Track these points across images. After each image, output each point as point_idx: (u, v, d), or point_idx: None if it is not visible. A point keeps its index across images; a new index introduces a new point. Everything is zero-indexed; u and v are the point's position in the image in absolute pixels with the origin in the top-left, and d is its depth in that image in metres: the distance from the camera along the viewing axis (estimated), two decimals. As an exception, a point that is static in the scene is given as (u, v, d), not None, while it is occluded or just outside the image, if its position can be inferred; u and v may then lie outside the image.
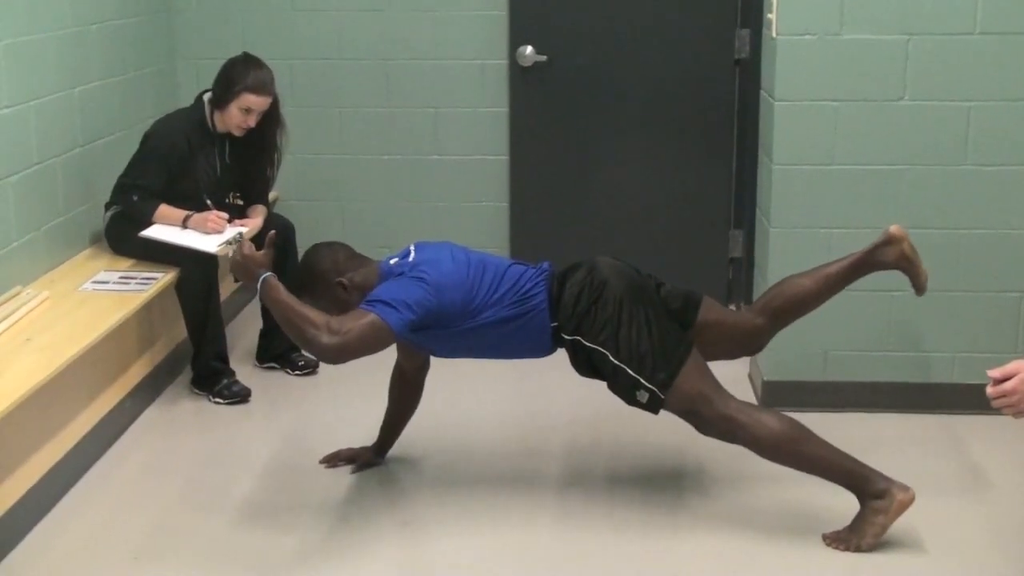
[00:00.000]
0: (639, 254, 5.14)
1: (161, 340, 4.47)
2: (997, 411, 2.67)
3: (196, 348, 4.37)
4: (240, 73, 4.28)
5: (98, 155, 4.55)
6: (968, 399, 3.99)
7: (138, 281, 4.14)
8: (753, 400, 4.24)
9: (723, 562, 3.27)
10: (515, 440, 4.04)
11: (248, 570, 3.24)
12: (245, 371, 4.57)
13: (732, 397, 3.34)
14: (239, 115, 4.31)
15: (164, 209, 4.31)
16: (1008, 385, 2.60)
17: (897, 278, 4.05)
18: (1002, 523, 3.43)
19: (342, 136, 5.43)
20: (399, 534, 3.43)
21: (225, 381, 4.37)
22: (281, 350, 4.64)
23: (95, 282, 4.12)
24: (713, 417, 3.31)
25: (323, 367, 4.61)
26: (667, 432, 3.60)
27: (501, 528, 3.44)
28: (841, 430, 3.70)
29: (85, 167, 4.45)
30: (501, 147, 5.37)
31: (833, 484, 3.29)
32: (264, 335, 4.69)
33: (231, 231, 4.31)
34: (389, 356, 3.70)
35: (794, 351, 4.11)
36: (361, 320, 3.15)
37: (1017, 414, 2.63)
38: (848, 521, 3.28)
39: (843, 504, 3.30)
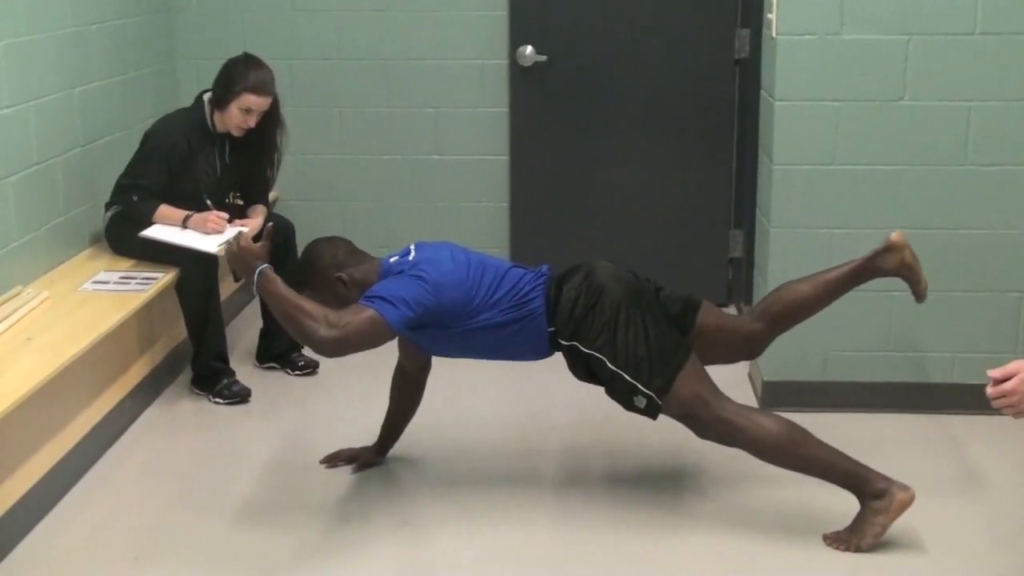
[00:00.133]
0: (639, 254, 5.17)
1: (161, 340, 4.47)
2: (997, 411, 2.67)
3: (196, 348, 4.37)
4: (240, 73, 4.28)
5: (98, 155, 4.55)
6: (968, 399, 3.99)
7: (138, 281, 4.14)
8: (753, 401, 4.24)
9: (723, 562, 3.27)
10: (515, 440, 4.05)
11: (248, 570, 3.24)
12: (245, 371, 4.57)
13: (730, 400, 3.34)
14: (239, 115, 4.31)
15: (164, 209, 4.31)
16: (1008, 385, 2.60)
17: (897, 279, 4.06)
18: (1002, 523, 3.43)
19: (342, 136, 5.43)
20: (399, 533, 3.43)
21: (225, 381, 4.37)
22: (281, 350, 4.65)
23: (95, 282, 4.12)
24: (711, 421, 3.30)
25: (323, 367, 4.61)
26: (667, 433, 3.60)
27: (501, 528, 3.44)
28: (841, 430, 3.70)
29: (85, 167, 4.45)
30: (501, 147, 5.37)
31: (833, 485, 3.29)
32: (264, 335, 4.69)
33: (231, 231, 4.30)
34: (390, 356, 3.70)
35: (794, 352, 4.11)
36: (359, 315, 3.16)
37: (1017, 414, 2.63)
38: (848, 521, 3.28)
39: (843, 504, 3.30)
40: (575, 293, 3.38)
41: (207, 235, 4.26)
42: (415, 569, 3.31)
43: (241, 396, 4.35)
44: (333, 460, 3.80)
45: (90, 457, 3.84)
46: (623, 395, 3.35)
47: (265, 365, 4.69)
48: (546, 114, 5.28)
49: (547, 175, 5.35)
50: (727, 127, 5.24)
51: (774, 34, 4.00)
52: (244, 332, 4.98)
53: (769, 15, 4.09)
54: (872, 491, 3.23)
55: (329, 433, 4.04)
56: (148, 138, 4.39)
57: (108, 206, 4.44)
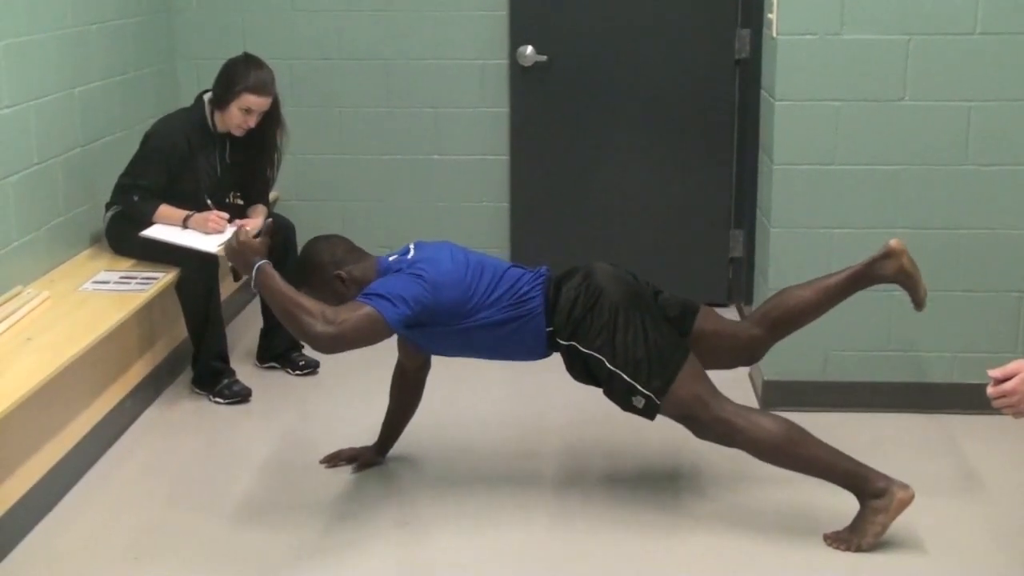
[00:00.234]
0: (639, 254, 5.18)
1: (161, 340, 4.47)
2: (997, 411, 2.67)
3: (196, 348, 4.37)
4: (241, 73, 4.28)
5: (98, 155, 4.55)
6: (968, 399, 3.99)
7: (138, 281, 4.14)
8: (753, 400, 4.24)
9: (723, 562, 3.26)
10: (515, 440, 4.05)
11: (248, 570, 3.24)
12: (245, 371, 4.57)
13: (729, 401, 3.34)
14: (239, 115, 4.31)
15: (164, 209, 4.31)
16: (1008, 385, 2.61)
17: (897, 278, 4.05)
18: (1002, 523, 3.43)
19: (342, 136, 5.43)
20: (399, 533, 3.43)
21: (225, 381, 4.37)
22: (282, 350, 4.65)
23: (95, 282, 4.12)
24: (710, 421, 3.30)
25: (324, 367, 4.62)
26: (666, 433, 3.60)
27: (500, 528, 3.44)
28: (841, 430, 3.71)
29: (85, 167, 4.45)
30: (501, 147, 5.37)
31: (832, 484, 3.29)
32: (265, 335, 4.69)
33: (231, 231, 4.30)
34: (390, 356, 3.70)
35: (794, 351, 4.11)
36: (357, 311, 3.16)
37: (1017, 414, 2.63)
38: (848, 521, 3.28)
39: (843, 504, 3.30)
40: (574, 293, 3.38)
41: (207, 235, 4.26)
42: (415, 569, 3.31)
43: (241, 396, 4.35)
44: (333, 460, 3.80)
45: (90, 457, 3.84)
46: (621, 395, 3.35)
47: (265, 365, 4.69)
48: (546, 114, 5.28)
49: (547, 175, 5.35)
50: (727, 127, 5.24)
51: (774, 34, 4.00)
52: (244, 332, 4.98)
53: (769, 15, 4.09)
54: (872, 490, 3.23)
55: (329, 433, 4.04)
56: (148, 138, 4.39)
57: (108, 206, 4.44)
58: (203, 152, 4.41)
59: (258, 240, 3.22)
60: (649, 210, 5.33)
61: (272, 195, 4.88)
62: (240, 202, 4.60)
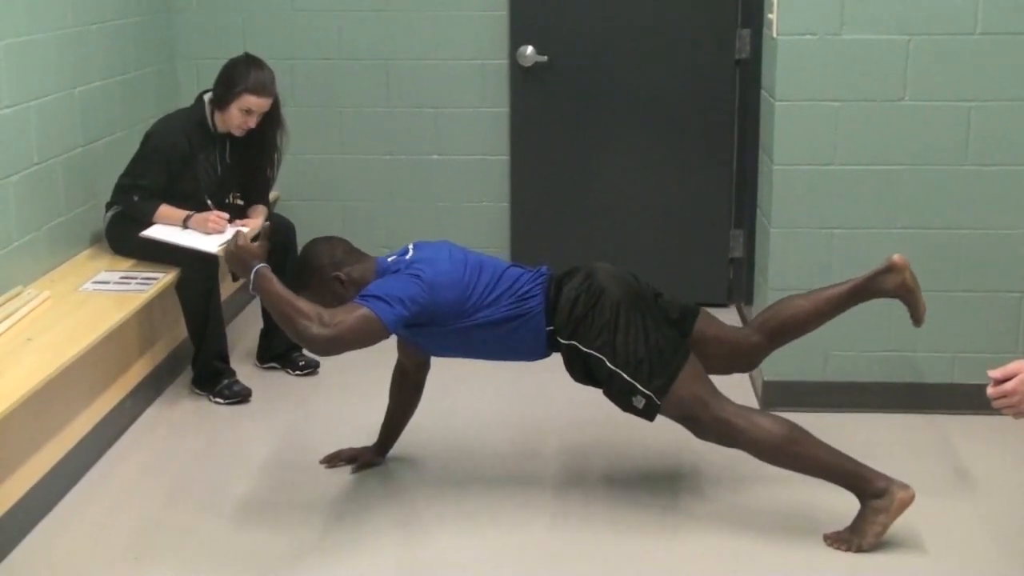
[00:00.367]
0: (639, 254, 5.18)
1: (161, 340, 4.47)
2: (997, 411, 2.67)
3: (196, 348, 4.38)
4: (241, 74, 4.28)
5: (98, 155, 4.55)
6: (968, 400, 3.99)
7: (138, 281, 4.14)
8: (753, 400, 4.24)
9: (724, 563, 3.26)
10: (515, 441, 4.05)
11: (248, 570, 3.24)
12: (245, 371, 4.57)
13: (729, 401, 3.34)
14: (239, 116, 4.31)
15: (165, 209, 4.31)
16: (1008, 385, 2.60)
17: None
18: (1002, 523, 3.43)
19: (342, 136, 5.43)
20: (399, 534, 3.43)
21: (226, 381, 4.37)
22: (282, 350, 4.65)
23: (96, 282, 4.12)
24: (710, 422, 3.30)
25: (324, 367, 4.62)
26: (667, 433, 3.60)
27: (501, 528, 3.44)
28: (841, 430, 3.71)
29: (86, 167, 4.45)
30: (501, 147, 5.37)
31: (833, 485, 3.29)
32: (265, 335, 4.69)
33: (232, 231, 4.31)
34: (390, 356, 3.70)
35: (794, 351, 4.09)
36: (354, 313, 3.16)
37: (1017, 415, 2.63)
38: (848, 521, 3.28)
39: (843, 504, 3.30)
40: (575, 293, 3.38)
41: (208, 235, 4.26)
42: (415, 569, 3.31)
43: (241, 396, 4.35)
44: (333, 460, 3.80)
45: (90, 457, 3.84)
46: (621, 395, 3.35)
47: (265, 365, 4.69)
48: (546, 114, 5.28)
49: (547, 175, 5.35)
50: (727, 127, 5.24)
51: (774, 34, 4.00)
52: (244, 332, 4.98)
53: (769, 15, 4.09)
54: (872, 490, 3.23)
55: (329, 433, 4.04)
56: (149, 138, 4.39)
57: (108, 206, 4.44)
58: (203, 152, 4.40)
59: (257, 244, 3.23)
60: (649, 210, 5.33)
61: (272, 195, 4.88)
62: (240, 202, 4.60)
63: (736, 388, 3.67)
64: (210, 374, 4.38)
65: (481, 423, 4.18)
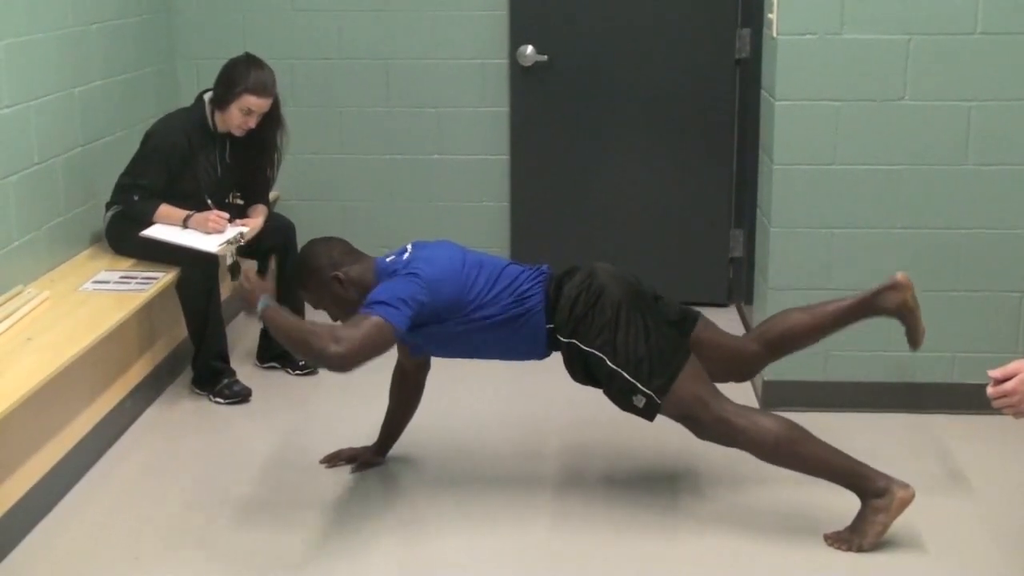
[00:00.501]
0: (640, 254, 5.18)
1: (161, 340, 4.47)
2: (997, 411, 2.67)
3: (196, 348, 4.38)
4: (241, 74, 4.27)
5: (98, 155, 4.55)
6: (968, 399, 3.99)
7: (138, 281, 4.14)
8: (754, 400, 4.24)
9: (724, 563, 3.26)
10: (515, 441, 4.04)
11: (248, 569, 3.24)
12: (245, 371, 4.57)
13: (729, 401, 3.34)
14: (239, 116, 4.31)
15: (165, 209, 4.31)
16: (1008, 385, 2.61)
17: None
18: (1002, 523, 3.43)
19: (342, 136, 5.43)
20: (399, 534, 3.43)
21: (225, 381, 4.37)
22: (282, 350, 4.64)
23: (96, 282, 4.12)
24: (711, 421, 3.30)
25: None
26: (667, 433, 3.60)
27: (500, 528, 3.44)
28: (841, 430, 3.71)
29: (86, 167, 4.45)
30: (501, 147, 5.37)
31: (833, 484, 3.29)
32: (265, 335, 4.68)
33: (232, 231, 4.31)
34: (389, 356, 3.69)
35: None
36: (363, 324, 3.17)
37: (1017, 414, 2.64)
38: (848, 521, 3.28)
39: (843, 504, 3.30)
40: (576, 291, 3.38)
41: (208, 235, 4.26)
42: (415, 569, 3.31)
43: (241, 396, 4.35)
44: (333, 460, 3.81)
45: (90, 457, 3.84)
46: (621, 394, 3.35)
47: (266, 365, 4.69)
48: (546, 114, 5.28)
49: (547, 175, 5.35)
50: (727, 127, 5.24)
51: (774, 34, 4.00)
52: (244, 332, 4.98)
53: (769, 15, 4.09)
54: (873, 490, 3.23)
55: (329, 433, 4.04)
56: (149, 138, 4.39)
57: (108, 206, 4.44)
58: (203, 152, 4.40)
59: (267, 280, 3.26)
60: (649, 210, 5.33)
61: (272, 195, 4.88)
62: (240, 202, 4.60)
63: (736, 388, 3.67)
64: (210, 374, 4.38)
65: (481, 423, 4.18)
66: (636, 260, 4.99)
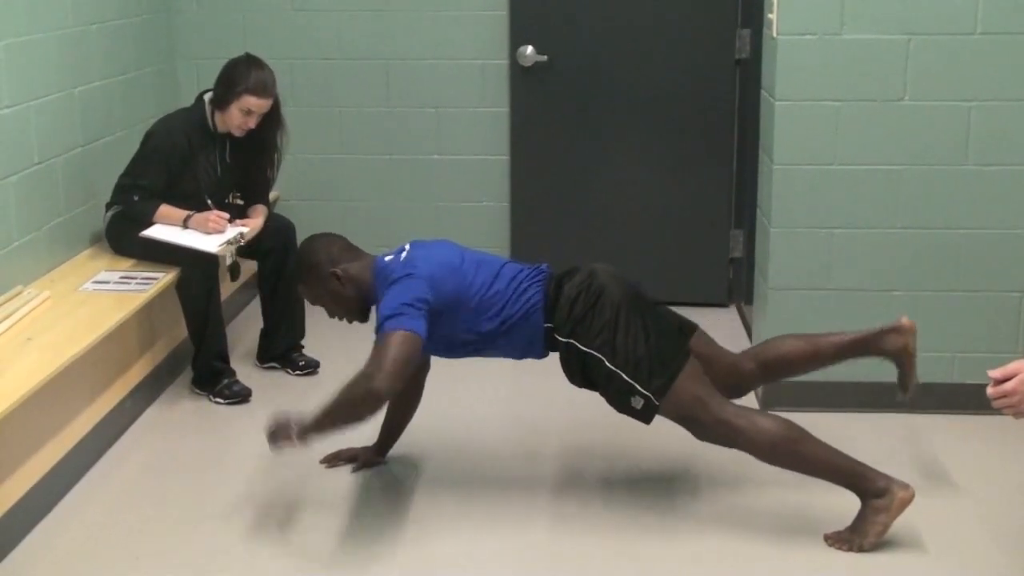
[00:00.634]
0: (640, 254, 5.18)
1: (161, 340, 4.47)
2: (997, 411, 2.67)
3: (196, 348, 4.37)
4: (241, 74, 4.27)
5: (98, 155, 4.55)
6: (968, 399, 3.99)
7: (138, 281, 4.14)
8: (753, 400, 4.24)
9: (724, 563, 3.26)
10: (514, 441, 4.05)
11: (248, 570, 3.24)
12: (245, 371, 4.57)
13: (728, 402, 3.34)
14: (240, 116, 4.30)
15: (165, 209, 4.31)
16: (1008, 385, 2.61)
17: (894, 275, 4.06)
18: (1002, 523, 3.43)
19: (342, 136, 5.43)
20: (399, 534, 3.43)
21: (226, 381, 4.37)
22: (282, 350, 4.64)
23: (96, 282, 4.12)
24: (710, 423, 3.30)
25: (324, 367, 4.61)
26: (666, 434, 3.59)
27: (500, 528, 3.44)
28: (841, 430, 3.70)
29: (86, 167, 4.45)
30: (501, 147, 5.37)
31: (833, 484, 3.29)
32: (265, 335, 4.68)
33: (232, 231, 4.31)
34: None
35: (794, 351, 4.11)
36: (388, 345, 3.17)
37: (1017, 414, 2.64)
38: (849, 521, 3.28)
39: (843, 504, 3.30)
40: (576, 291, 3.38)
41: (208, 235, 4.26)
42: (415, 569, 3.31)
43: (241, 396, 4.35)
44: (333, 460, 3.81)
45: (91, 457, 3.84)
46: (619, 396, 3.34)
47: (265, 365, 4.69)
48: (546, 114, 5.28)
49: (547, 175, 5.35)
50: (727, 127, 5.24)
51: (774, 34, 4.00)
52: (244, 332, 4.98)
53: (769, 15, 4.09)
54: (873, 490, 3.23)
55: (329, 433, 4.04)
56: (149, 138, 4.39)
57: (108, 206, 4.44)
58: (203, 152, 4.40)
59: (288, 418, 3.26)
60: (649, 210, 5.33)
61: (272, 195, 4.88)
62: (240, 202, 4.60)
63: (736, 388, 3.67)
64: (210, 374, 4.37)
65: (481, 423, 4.18)
66: (636, 260, 5.00)
